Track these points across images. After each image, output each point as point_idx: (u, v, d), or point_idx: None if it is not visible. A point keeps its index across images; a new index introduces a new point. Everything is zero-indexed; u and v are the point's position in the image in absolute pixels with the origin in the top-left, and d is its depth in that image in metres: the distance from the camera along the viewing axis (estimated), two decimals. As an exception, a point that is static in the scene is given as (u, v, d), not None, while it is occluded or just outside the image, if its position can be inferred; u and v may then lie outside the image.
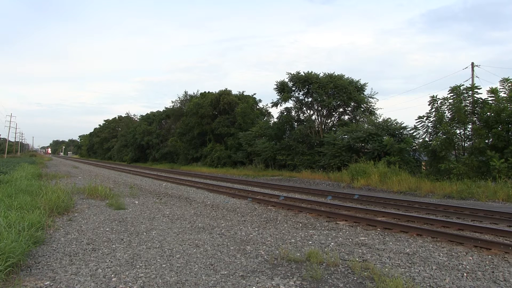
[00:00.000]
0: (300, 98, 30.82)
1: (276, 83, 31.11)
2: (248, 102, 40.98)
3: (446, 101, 19.58)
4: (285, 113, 31.31)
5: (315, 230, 8.94)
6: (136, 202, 13.49)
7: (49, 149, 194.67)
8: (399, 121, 26.65)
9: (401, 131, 23.51)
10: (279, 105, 31.36)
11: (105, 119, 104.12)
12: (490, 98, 18.68)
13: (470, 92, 19.57)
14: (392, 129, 23.57)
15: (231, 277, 5.53)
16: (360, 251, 6.98)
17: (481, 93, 19.45)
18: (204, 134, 43.22)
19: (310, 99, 30.34)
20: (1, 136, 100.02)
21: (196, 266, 6.04)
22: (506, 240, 7.74)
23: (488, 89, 18.91)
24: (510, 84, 18.52)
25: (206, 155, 41.25)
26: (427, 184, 16.78)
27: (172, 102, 64.20)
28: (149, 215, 10.68)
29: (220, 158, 38.28)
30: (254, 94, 47.19)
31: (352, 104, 29.47)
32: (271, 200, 13.70)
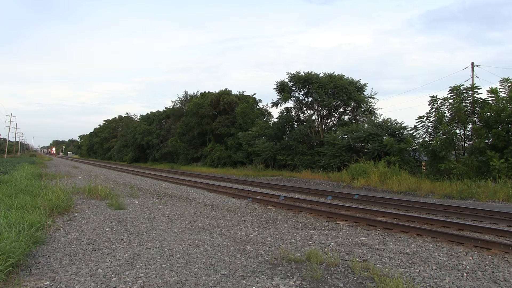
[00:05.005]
0: (300, 98, 30.81)
1: (276, 83, 31.12)
2: (248, 102, 40.96)
3: (446, 101, 19.57)
4: (285, 113, 31.29)
5: (315, 230, 8.94)
6: (136, 202, 13.49)
7: (53, 149, 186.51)
8: (399, 121, 26.69)
9: (401, 131, 23.51)
10: (279, 105, 31.35)
11: (105, 119, 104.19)
12: (490, 98, 18.68)
13: (470, 92, 19.57)
14: (392, 129, 23.57)
15: (231, 277, 5.53)
16: (360, 251, 6.97)
17: (481, 93, 19.47)
18: (204, 134, 43.21)
19: (310, 99, 30.33)
20: (1, 136, 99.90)
21: (196, 266, 6.04)
22: (506, 240, 7.74)
23: (488, 89, 18.94)
24: (510, 84, 18.53)
25: (206, 155, 41.23)
26: (427, 184, 16.78)
27: (172, 102, 64.37)
28: (149, 215, 10.67)
29: (220, 158, 38.27)
30: (254, 94, 47.23)
31: (352, 104, 29.45)
32: (271, 200, 13.70)
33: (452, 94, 19.56)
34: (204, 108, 41.18)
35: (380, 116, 28.88)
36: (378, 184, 18.50)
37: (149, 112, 65.42)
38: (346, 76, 29.57)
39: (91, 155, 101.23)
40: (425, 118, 20.23)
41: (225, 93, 42.23)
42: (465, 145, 20.01)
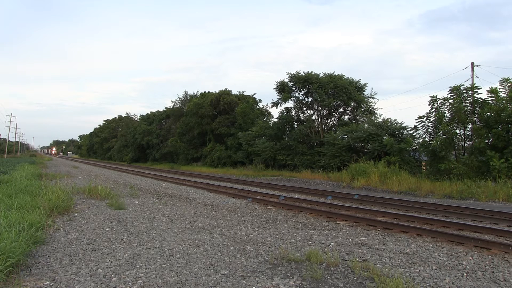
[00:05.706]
0: (300, 98, 30.81)
1: (276, 83, 31.12)
2: (248, 102, 40.96)
3: (446, 101, 19.57)
4: (285, 113, 31.29)
5: (315, 230, 8.93)
6: (136, 202, 13.48)
7: (54, 149, 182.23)
8: (399, 121, 26.69)
9: (401, 131, 23.51)
10: (279, 105, 31.36)
11: (105, 119, 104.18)
12: (490, 98, 18.68)
13: (470, 92, 19.57)
14: (392, 129, 23.57)
15: (231, 277, 5.53)
16: (360, 251, 6.97)
17: (481, 93, 19.48)
18: (204, 134, 43.21)
19: (310, 99, 30.33)
20: (1, 136, 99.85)
21: (196, 266, 6.04)
22: (506, 240, 7.74)
23: (488, 89, 18.94)
24: (510, 84, 18.53)
25: (206, 155, 41.23)
26: (427, 184, 16.77)
27: (172, 102, 64.39)
28: (149, 215, 10.67)
29: (220, 158, 38.27)
30: (254, 94, 47.21)
31: (352, 104, 29.46)
32: (271, 200, 13.70)
33: (452, 94, 19.56)
34: (204, 108, 41.18)
35: (380, 116, 28.93)
36: (378, 184, 18.50)
37: (149, 112, 65.50)
38: (346, 76, 29.60)
39: (91, 155, 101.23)
40: (425, 118, 20.23)
41: (225, 93, 42.23)
42: (465, 145, 20.01)
